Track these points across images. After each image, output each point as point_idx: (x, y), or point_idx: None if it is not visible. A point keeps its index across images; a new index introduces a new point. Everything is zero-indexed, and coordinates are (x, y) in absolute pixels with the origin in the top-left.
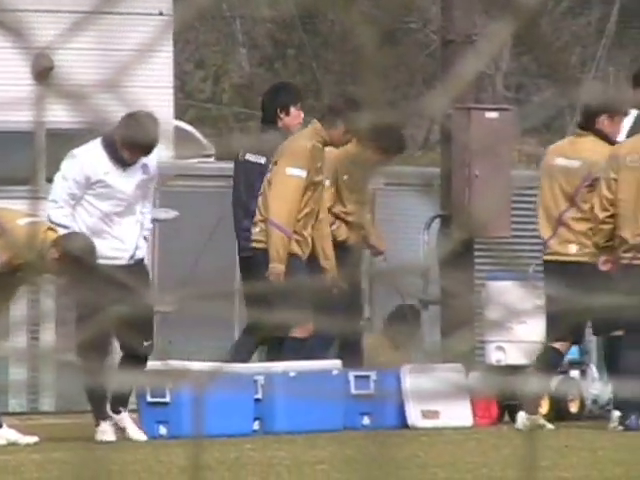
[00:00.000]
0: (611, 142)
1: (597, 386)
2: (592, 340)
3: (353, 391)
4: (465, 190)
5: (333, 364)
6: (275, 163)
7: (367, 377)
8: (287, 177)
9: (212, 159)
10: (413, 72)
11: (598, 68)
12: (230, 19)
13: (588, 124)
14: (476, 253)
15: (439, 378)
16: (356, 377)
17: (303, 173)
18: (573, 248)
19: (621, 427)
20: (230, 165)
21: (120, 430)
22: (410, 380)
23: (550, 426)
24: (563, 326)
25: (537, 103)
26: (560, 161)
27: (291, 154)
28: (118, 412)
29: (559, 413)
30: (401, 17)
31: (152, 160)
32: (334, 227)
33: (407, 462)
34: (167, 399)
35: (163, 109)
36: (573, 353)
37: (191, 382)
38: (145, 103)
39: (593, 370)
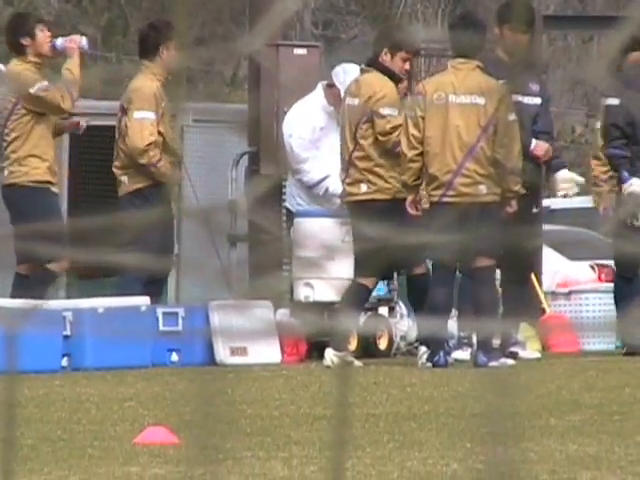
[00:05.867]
0: (394, 78)
1: (405, 323)
2: (400, 277)
3: (161, 328)
4: (274, 126)
5: (141, 300)
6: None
7: (175, 314)
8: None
9: None
10: (221, 9)
11: (407, 4)
12: None
13: (373, 60)
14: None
15: (247, 315)
16: (164, 314)
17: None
18: (363, 187)
19: (429, 364)
20: None
21: None
22: (218, 317)
23: (358, 363)
24: (371, 263)
25: (345, 40)
26: (348, 100)
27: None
28: None
29: (368, 350)
30: None
31: None
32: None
33: (215, 399)
34: None
35: None
36: (381, 290)
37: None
38: None
39: (401, 307)
